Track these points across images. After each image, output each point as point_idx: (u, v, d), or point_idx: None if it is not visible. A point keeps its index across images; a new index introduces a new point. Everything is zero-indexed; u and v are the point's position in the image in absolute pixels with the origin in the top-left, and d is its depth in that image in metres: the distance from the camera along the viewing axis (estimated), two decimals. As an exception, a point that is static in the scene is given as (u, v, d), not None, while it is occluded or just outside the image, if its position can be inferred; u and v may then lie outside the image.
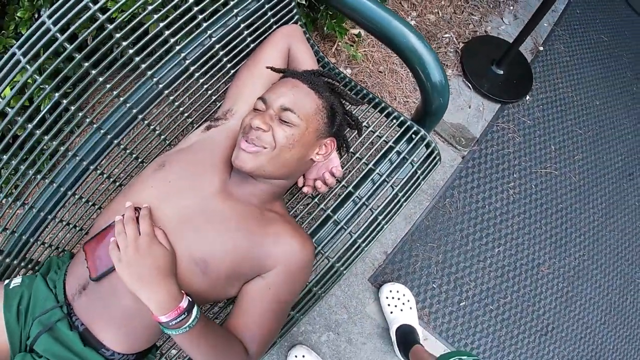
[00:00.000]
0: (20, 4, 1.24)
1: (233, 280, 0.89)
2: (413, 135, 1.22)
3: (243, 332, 0.88)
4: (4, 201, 1.00)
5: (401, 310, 1.56)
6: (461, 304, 1.66)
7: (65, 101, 1.00)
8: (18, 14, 1.20)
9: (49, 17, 0.90)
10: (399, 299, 1.57)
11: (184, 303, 0.77)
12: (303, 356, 1.49)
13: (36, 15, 1.23)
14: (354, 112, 1.20)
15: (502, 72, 1.98)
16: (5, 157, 0.96)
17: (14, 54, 0.90)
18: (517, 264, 1.76)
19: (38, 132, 0.99)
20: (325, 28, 1.78)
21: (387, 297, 1.57)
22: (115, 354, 0.89)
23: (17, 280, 0.97)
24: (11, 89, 0.92)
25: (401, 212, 1.23)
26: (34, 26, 0.90)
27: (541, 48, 2.15)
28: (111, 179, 1.16)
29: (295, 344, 1.52)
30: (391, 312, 1.56)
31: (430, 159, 1.23)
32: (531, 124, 1.97)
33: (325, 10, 1.78)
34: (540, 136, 1.96)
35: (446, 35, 2.02)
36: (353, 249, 1.14)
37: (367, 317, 1.59)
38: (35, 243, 1.07)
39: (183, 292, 0.79)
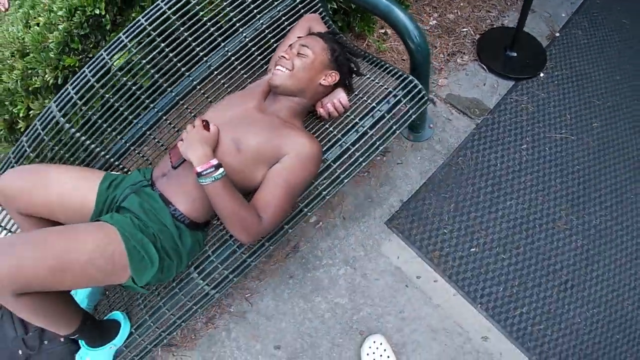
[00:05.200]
0: None
1: (259, 163, 1.27)
2: (407, 83, 1.55)
3: (258, 202, 1.24)
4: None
5: None
6: (472, 250, 1.81)
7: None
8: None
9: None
10: (377, 348, 1.64)
11: (214, 161, 1.17)
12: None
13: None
14: (360, 67, 1.57)
15: (515, 54, 2.20)
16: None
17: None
18: (530, 217, 1.88)
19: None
20: (357, 28, 2.17)
21: (369, 348, 1.64)
22: (177, 210, 1.27)
23: (116, 173, 1.44)
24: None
25: (393, 139, 1.52)
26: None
27: (557, 34, 2.34)
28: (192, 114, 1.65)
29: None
30: None
31: (418, 97, 1.54)
32: (545, 96, 2.13)
33: (355, 14, 2.18)
34: (555, 106, 2.11)
35: (464, 30, 2.30)
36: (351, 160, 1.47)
37: (381, 256, 1.81)
38: (133, 151, 1.60)
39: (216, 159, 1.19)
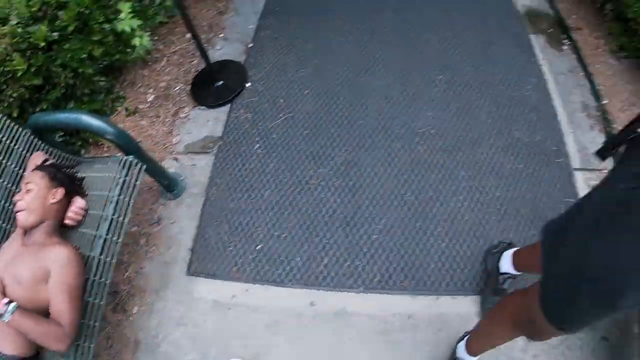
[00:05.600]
0: None
1: (38, 285, 1.53)
2: (122, 162, 1.85)
3: (53, 315, 1.50)
4: None
5: None
6: (257, 248, 2.11)
7: None
8: None
9: None
10: None
11: (5, 300, 1.42)
12: None
13: None
14: (77, 174, 1.88)
15: (221, 82, 2.57)
16: None
17: None
18: (288, 192, 2.21)
19: None
20: (90, 139, 2.49)
21: None
22: (5, 355, 1.51)
23: None
24: None
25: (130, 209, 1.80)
26: None
27: (251, 45, 2.74)
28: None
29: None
30: None
31: (134, 168, 1.84)
32: (257, 99, 2.51)
33: (84, 132, 2.50)
34: (268, 101, 2.50)
35: (176, 88, 2.66)
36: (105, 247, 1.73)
37: (197, 301, 2.05)
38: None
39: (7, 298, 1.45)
